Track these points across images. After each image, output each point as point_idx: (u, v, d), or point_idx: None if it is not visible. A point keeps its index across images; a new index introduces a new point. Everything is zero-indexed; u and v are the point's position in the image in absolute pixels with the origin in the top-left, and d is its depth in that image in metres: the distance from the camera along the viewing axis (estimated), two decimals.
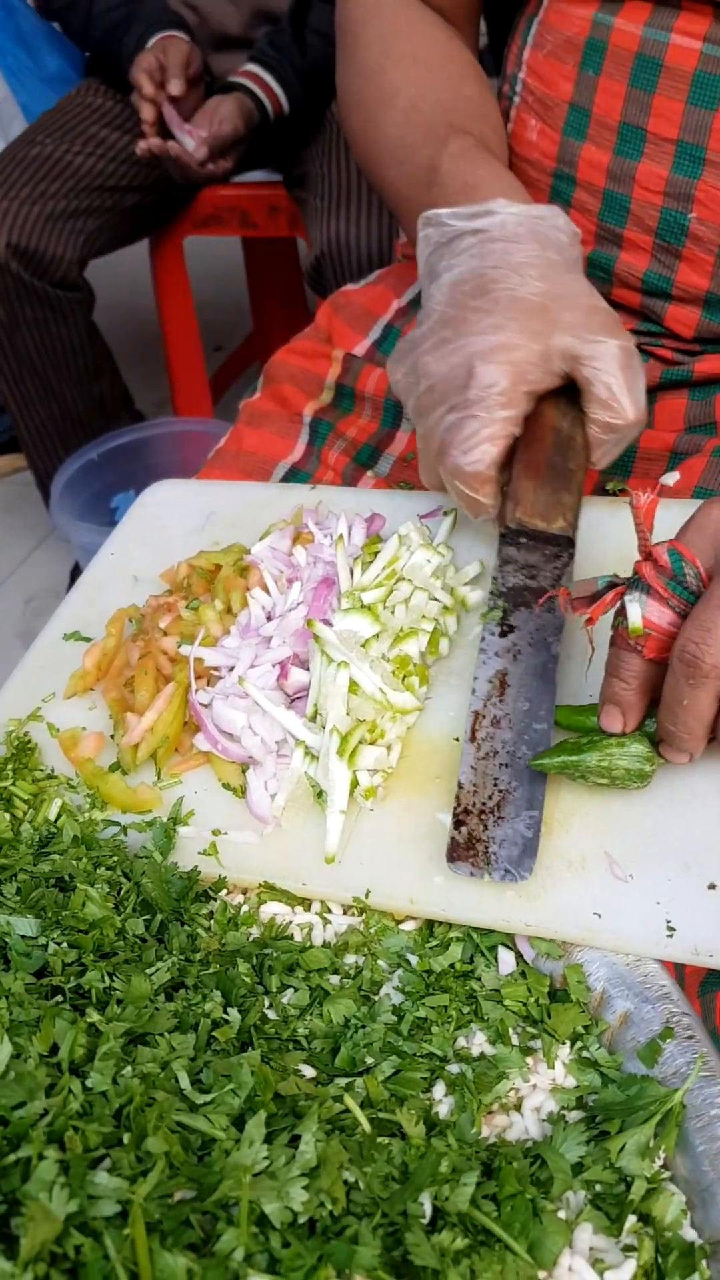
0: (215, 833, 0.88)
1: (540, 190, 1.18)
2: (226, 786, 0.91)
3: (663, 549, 0.77)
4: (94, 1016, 0.67)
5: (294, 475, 1.26)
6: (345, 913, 0.83)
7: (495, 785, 0.83)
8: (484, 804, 0.82)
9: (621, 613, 0.78)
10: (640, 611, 0.77)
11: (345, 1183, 0.59)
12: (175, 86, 2.29)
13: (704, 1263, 0.61)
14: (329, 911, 0.83)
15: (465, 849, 0.80)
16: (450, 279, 0.98)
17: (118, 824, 0.89)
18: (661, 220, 1.09)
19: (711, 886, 0.77)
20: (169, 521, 1.21)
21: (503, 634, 0.92)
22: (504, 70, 1.22)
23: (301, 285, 3.15)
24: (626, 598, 0.78)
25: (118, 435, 2.58)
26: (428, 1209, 0.59)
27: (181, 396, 2.97)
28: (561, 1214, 0.62)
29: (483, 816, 0.82)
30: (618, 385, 0.92)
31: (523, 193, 1.06)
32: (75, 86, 2.59)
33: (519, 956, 0.78)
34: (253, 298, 3.35)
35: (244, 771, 0.91)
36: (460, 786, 0.83)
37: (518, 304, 0.93)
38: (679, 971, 0.88)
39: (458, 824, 0.81)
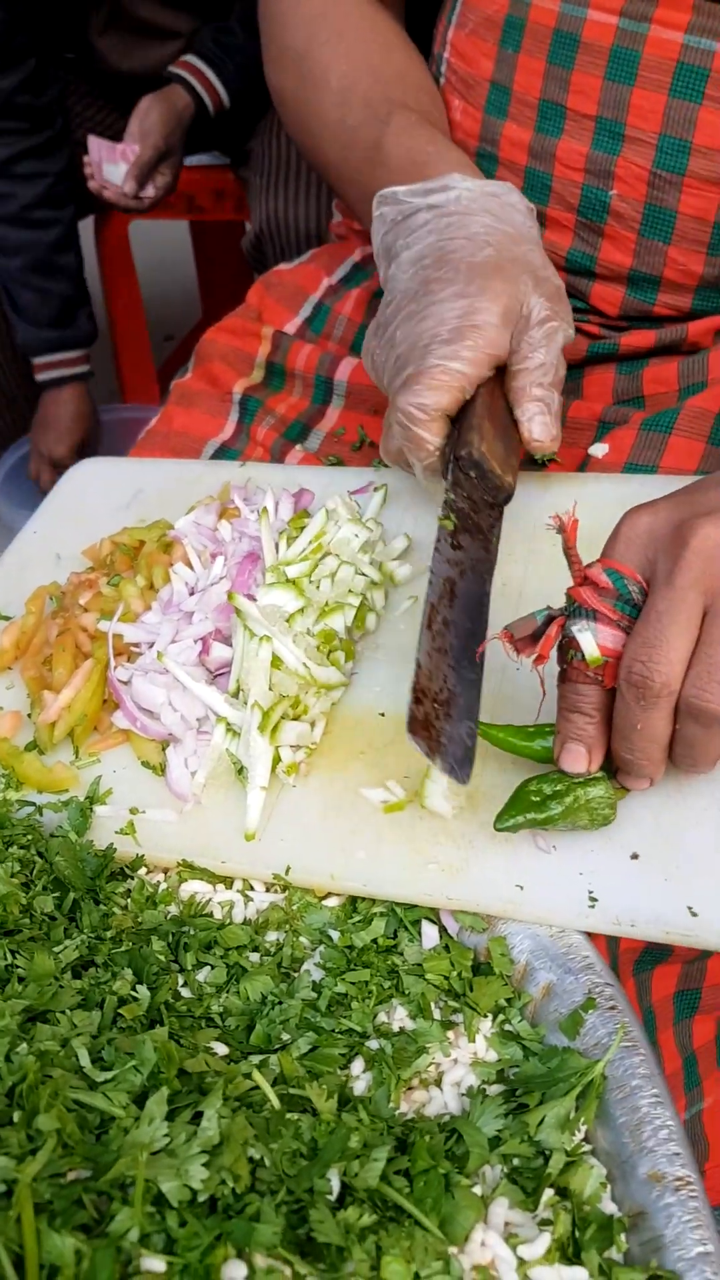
0: (133, 811, 0.85)
1: None
2: (146, 765, 0.89)
3: (598, 570, 0.74)
4: None
5: (223, 453, 1.25)
6: (268, 890, 0.81)
7: (445, 682, 0.80)
8: (437, 694, 0.79)
9: (572, 645, 0.74)
10: (594, 639, 0.73)
11: (251, 1160, 0.57)
12: (130, 187, 2.29)
13: (622, 1236, 0.59)
14: (251, 889, 0.81)
15: (422, 728, 0.75)
16: (410, 256, 0.98)
17: (33, 804, 0.86)
18: (583, 198, 1.09)
19: (634, 857, 0.76)
20: (94, 499, 1.18)
21: (454, 547, 0.89)
22: (431, 51, 1.21)
23: (251, 272, 3.12)
24: (574, 628, 0.74)
25: None
26: (335, 1185, 0.57)
27: (130, 386, 2.93)
28: (477, 1189, 0.60)
29: (436, 705, 0.78)
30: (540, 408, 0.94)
31: (472, 167, 1.06)
32: None
33: (443, 930, 0.76)
34: (202, 285, 3.30)
35: (164, 749, 0.89)
36: (419, 665, 0.79)
37: (476, 269, 0.93)
38: (613, 950, 0.87)
39: (417, 701, 0.76)
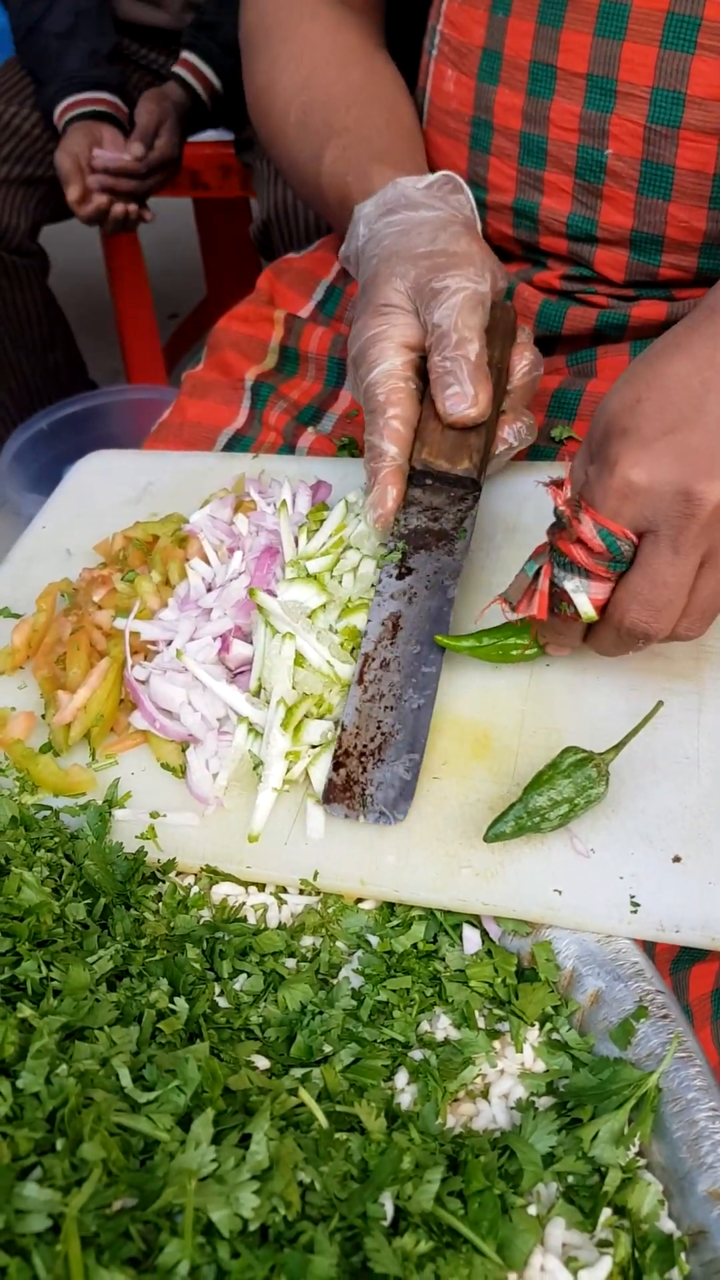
0: (154, 815, 0.83)
1: (460, 140, 1.16)
2: (165, 766, 0.86)
3: (591, 530, 0.73)
4: (26, 1010, 0.62)
5: (237, 441, 1.22)
6: (301, 892, 0.78)
7: (379, 728, 0.82)
8: (365, 746, 0.82)
9: (563, 598, 0.77)
10: (588, 599, 0.76)
11: (300, 1184, 0.54)
12: (137, 149, 2.29)
13: (683, 1255, 0.57)
14: (284, 891, 0.79)
15: (342, 791, 0.80)
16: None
17: (49, 808, 0.83)
18: (579, 159, 1.07)
19: (676, 859, 0.74)
20: (104, 493, 1.16)
21: (400, 575, 0.90)
22: (426, 25, 1.19)
23: (256, 248, 3.10)
24: (568, 585, 0.76)
25: (68, 404, 2.51)
26: (389, 1210, 0.55)
27: (135, 365, 2.90)
28: (532, 1209, 0.58)
29: (363, 759, 0.81)
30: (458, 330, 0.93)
31: (383, 176, 1.06)
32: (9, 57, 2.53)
33: (484, 934, 0.74)
34: (206, 262, 3.26)
35: (184, 750, 0.86)
36: (343, 729, 0.82)
37: (364, 289, 0.98)
38: (649, 947, 0.85)
39: (337, 766, 0.81)
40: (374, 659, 0.86)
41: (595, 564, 0.75)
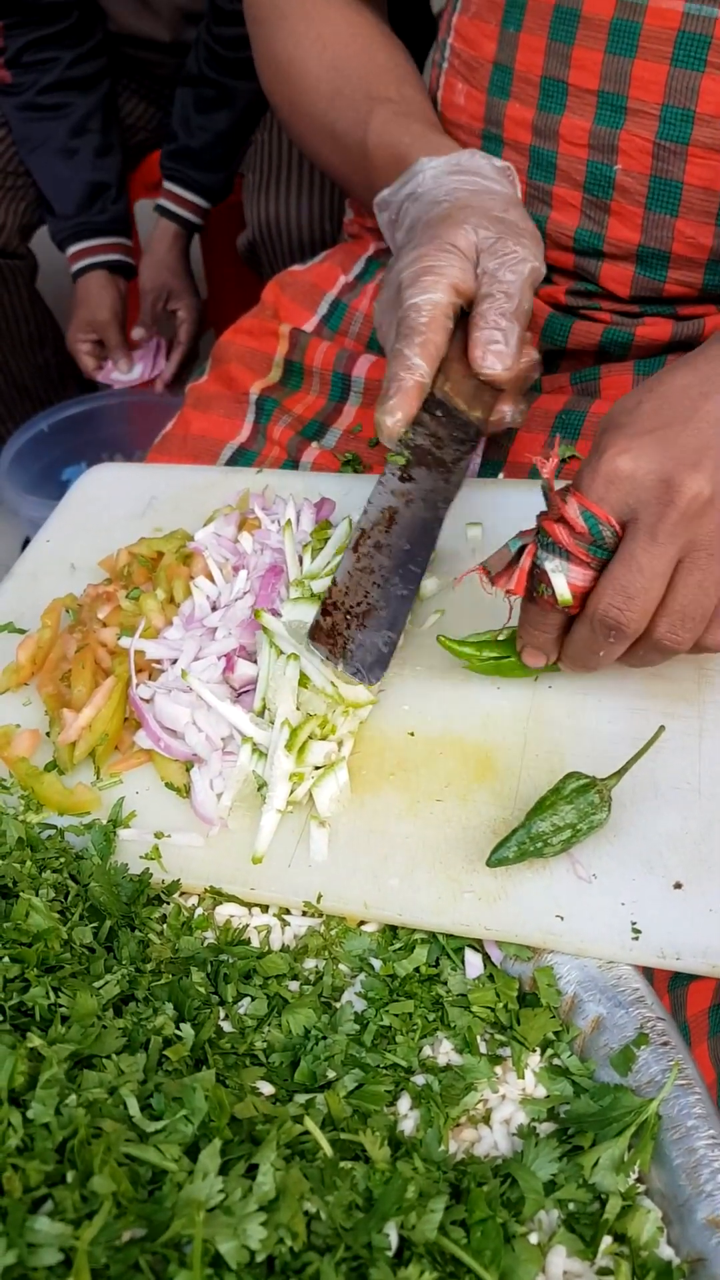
0: (158, 835, 0.83)
1: None
2: (170, 786, 0.87)
3: (575, 511, 0.76)
4: (35, 1040, 0.62)
5: (241, 455, 1.23)
6: (304, 914, 0.79)
7: (366, 597, 0.87)
8: (352, 606, 0.86)
9: (543, 580, 0.79)
10: (565, 581, 0.78)
11: (306, 1213, 0.55)
12: (118, 357, 2.40)
13: None
14: (287, 913, 0.79)
15: (326, 636, 0.84)
16: (406, 248, 1.00)
17: (54, 827, 0.84)
18: (588, 174, 1.08)
19: (677, 886, 0.74)
20: (108, 507, 1.16)
21: (401, 479, 0.92)
22: (436, 39, 1.20)
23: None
24: (548, 566, 0.78)
25: (68, 406, 2.50)
26: (394, 1240, 0.55)
27: None
28: (533, 1237, 0.59)
29: (348, 616, 0.86)
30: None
31: (446, 143, 1.10)
32: None
33: (486, 959, 0.74)
34: (207, 265, 3.25)
35: (188, 770, 0.87)
36: (334, 583, 0.88)
37: (430, 224, 0.98)
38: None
39: (324, 613, 0.86)
40: (369, 537, 0.89)
41: (576, 545, 0.77)
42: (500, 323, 0.94)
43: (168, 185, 2.35)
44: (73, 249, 2.35)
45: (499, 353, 0.93)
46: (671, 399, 0.77)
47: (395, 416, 0.91)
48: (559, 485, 0.79)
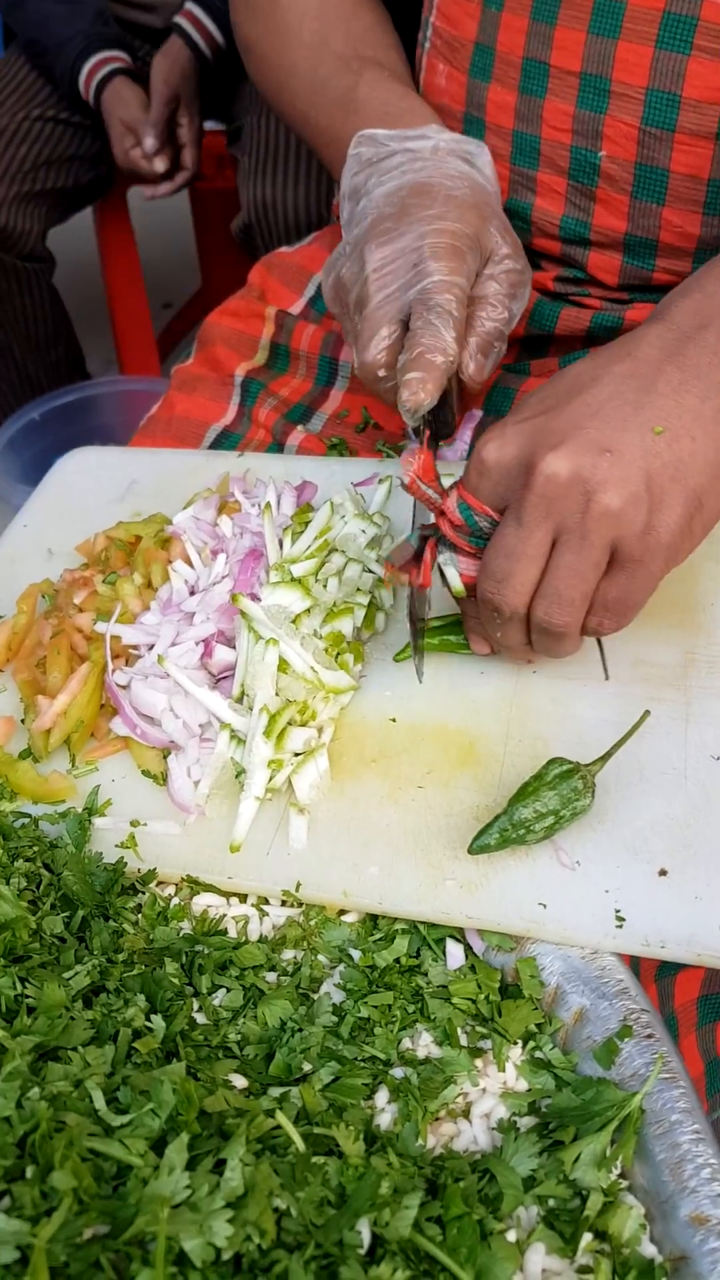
0: (134, 823, 0.81)
1: None
2: (146, 774, 0.85)
3: (453, 504, 0.78)
4: None
5: (225, 437, 1.21)
6: (284, 904, 0.77)
7: None
8: None
9: (440, 573, 0.82)
10: (456, 572, 0.81)
11: (275, 1210, 0.53)
12: (150, 145, 2.28)
13: None
14: (266, 903, 0.78)
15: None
16: (384, 190, 0.99)
17: (28, 815, 0.82)
18: (572, 160, 1.05)
19: (662, 873, 0.73)
20: (87, 491, 1.14)
21: None
22: (420, 17, 1.18)
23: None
24: (440, 561, 0.81)
25: (61, 394, 2.48)
26: (366, 1237, 0.54)
27: (128, 355, 2.88)
28: (511, 1234, 0.57)
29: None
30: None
31: (443, 123, 1.08)
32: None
33: (468, 949, 0.73)
34: (201, 253, 3.23)
35: (165, 757, 0.85)
36: None
37: (454, 199, 0.96)
38: (634, 956, 0.84)
39: None
40: None
41: (458, 537, 0.79)
42: (486, 326, 0.94)
43: (190, 5, 2.29)
44: (92, 60, 2.28)
45: (479, 366, 0.94)
46: (561, 386, 0.77)
47: (420, 395, 0.88)
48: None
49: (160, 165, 2.32)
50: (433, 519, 0.82)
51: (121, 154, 2.32)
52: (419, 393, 0.87)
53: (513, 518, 0.75)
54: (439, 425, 0.93)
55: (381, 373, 0.93)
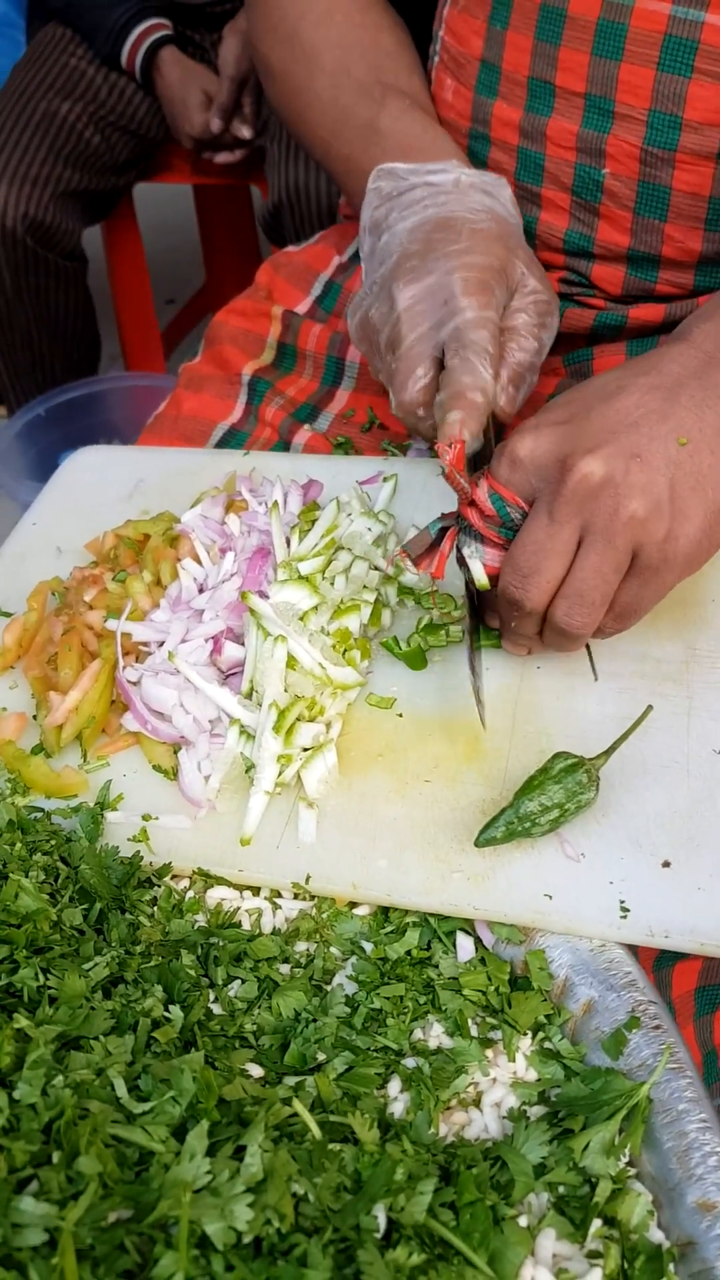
0: (146, 818, 0.82)
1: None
2: (157, 768, 0.86)
3: (484, 493, 0.79)
4: (23, 1021, 0.62)
5: (232, 436, 1.22)
6: (296, 897, 0.78)
7: None
8: None
9: (463, 564, 0.82)
10: (481, 564, 0.81)
11: (294, 1195, 0.55)
12: (217, 125, 2.28)
13: (672, 1266, 0.57)
14: (279, 896, 0.79)
15: None
16: (407, 225, 0.99)
17: (41, 810, 0.83)
18: (576, 177, 1.07)
19: (665, 864, 0.74)
20: (95, 490, 1.15)
21: None
22: (432, 31, 1.18)
23: (255, 236, 3.06)
24: (466, 553, 0.81)
25: (66, 390, 2.47)
26: (382, 1221, 0.55)
27: (132, 351, 2.89)
28: (523, 1220, 0.58)
29: None
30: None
31: (465, 158, 1.08)
32: (23, 31, 2.51)
33: (478, 942, 0.74)
34: (205, 249, 3.24)
35: (175, 752, 0.86)
36: None
37: (479, 233, 0.96)
38: (633, 946, 0.86)
39: None
40: None
41: (487, 528, 0.80)
42: (517, 358, 0.96)
43: None
44: (142, 26, 2.28)
45: (510, 398, 0.95)
46: (589, 392, 0.79)
47: (464, 434, 0.89)
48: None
49: (240, 133, 2.31)
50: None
51: (200, 124, 2.30)
52: (462, 432, 0.89)
53: (544, 512, 0.76)
54: (478, 458, 0.94)
55: (420, 412, 0.94)
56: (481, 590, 0.83)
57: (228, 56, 2.25)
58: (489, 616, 0.89)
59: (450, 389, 0.89)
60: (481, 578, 0.82)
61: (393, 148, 1.08)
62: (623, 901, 0.73)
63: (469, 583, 0.84)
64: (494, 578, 0.82)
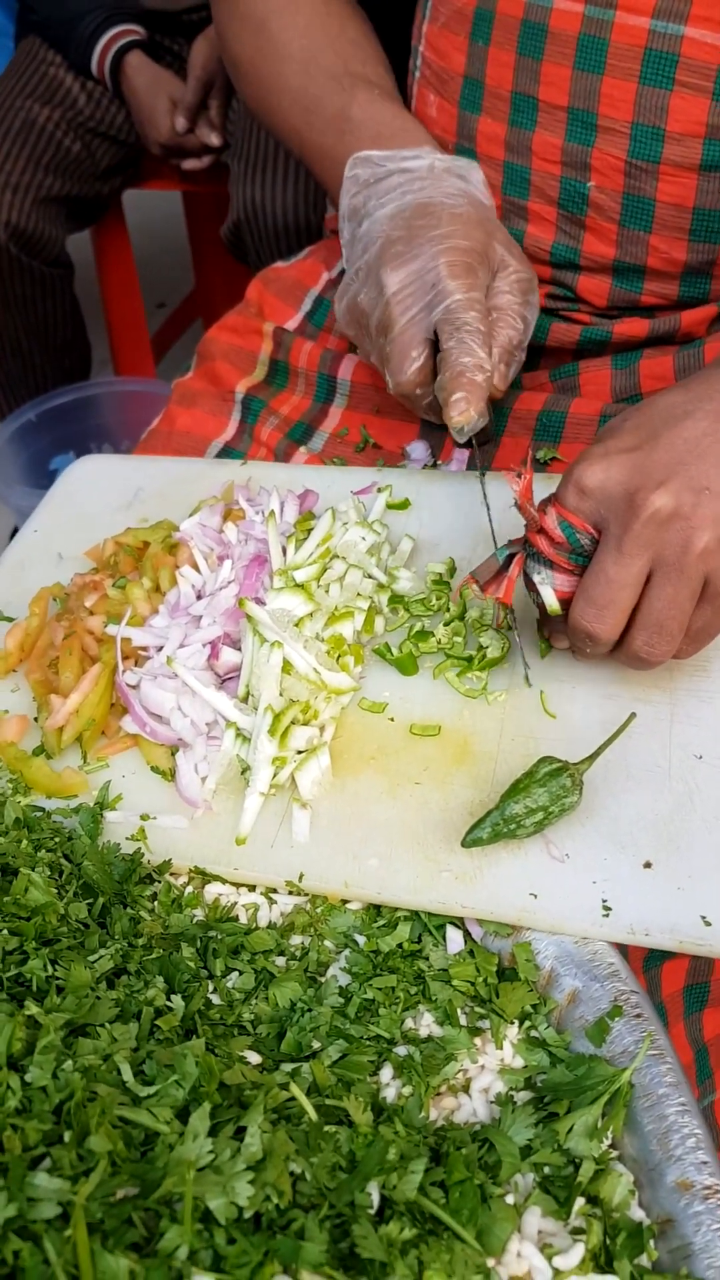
0: (144, 817, 0.85)
1: None
2: (155, 770, 0.89)
3: (553, 521, 0.80)
4: (33, 1009, 0.64)
5: (227, 454, 1.24)
6: (291, 893, 0.81)
7: None
8: None
9: (533, 589, 0.83)
10: (552, 589, 0.82)
11: (291, 1174, 0.58)
12: (181, 125, 2.28)
13: (652, 1243, 0.60)
14: (274, 891, 0.82)
15: None
16: (387, 212, 1.03)
17: (42, 809, 0.86)
18: (562, 190, 1.09)
19: (647, 865, 0.77)
20: (95, 498, 1.18)
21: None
22: (410, 45, 1.21)
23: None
24: (536, 579, 0.82)
25: (57, 395, 2.48)
26: (375, 1199, 0.58)
27: (122, 355, 2.89)
28: (509, 1198, 0.61)
29: None
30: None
31: (435, 143, 1.11)
32: (13, 39, 2.53)
33: (467, 935, 0.77)
34: (194, 253, 3.24)
35: (173, 754, 0.89)
36: None
37: (458, 217, 1.00)
38: (622, 946, 0.88)
39: None
40: None
41: (557, 555, 0.81)
42: (518, 355, 1.00)
43: None
44: (108, 34, 2.28)
45: (502, 374, 0.99)
46: (654, 417, 0.79)
47: (470, 413, 0.93)
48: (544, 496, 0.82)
49: (207, 139, 2.31)
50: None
51: (166, 129, 2.30)
52: (468, 411, 0.92)
53: (613, 545, 0.77)
54: (480, 434, 0.98)
55: (418, 391, 0.98)
56: (553, 615, 0.84)
57: (196, 58, 2.26)
58: (556, 638, 0.90)
59: (451, 370, 0.94)
60: (553, 603, 0.83)
61: (366, 136, 1.11)
62: (605, 901, 0.75)
63: (539, 605, 0.85)
64: (564, 601, 0.83)
